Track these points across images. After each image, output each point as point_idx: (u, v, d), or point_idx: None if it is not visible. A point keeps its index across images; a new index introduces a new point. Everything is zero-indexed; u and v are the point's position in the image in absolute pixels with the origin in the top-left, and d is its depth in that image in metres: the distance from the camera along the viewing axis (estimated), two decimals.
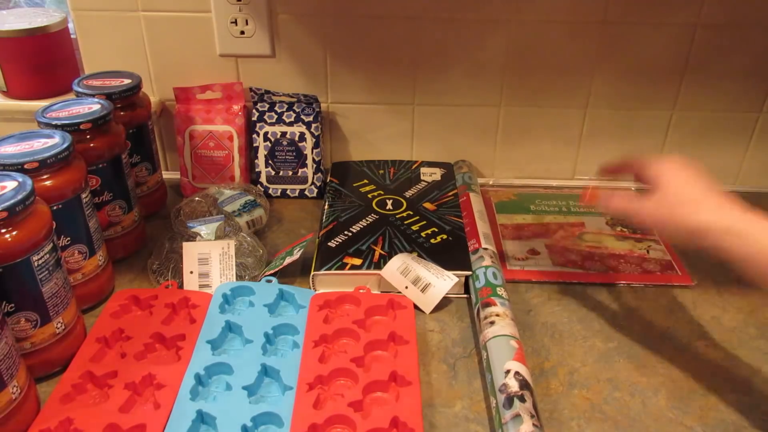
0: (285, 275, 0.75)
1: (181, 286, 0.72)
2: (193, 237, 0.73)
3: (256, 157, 0.92)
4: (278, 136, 0.91)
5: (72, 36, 0.93)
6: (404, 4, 0.85)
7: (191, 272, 0.71)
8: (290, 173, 0.92)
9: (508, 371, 0.57)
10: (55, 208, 0.62)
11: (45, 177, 0.62)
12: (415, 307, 0.69)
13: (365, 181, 0.92)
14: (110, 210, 0.75)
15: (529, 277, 0.76)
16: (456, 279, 0.70)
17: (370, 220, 0.82)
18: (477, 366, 0.63)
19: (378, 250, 0.75)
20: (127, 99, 0.79)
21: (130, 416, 0.55)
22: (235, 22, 0.87)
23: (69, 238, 0.66)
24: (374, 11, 0.86)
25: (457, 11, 0.85)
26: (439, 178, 0.93)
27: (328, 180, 0.92)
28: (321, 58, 0.90)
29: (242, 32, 0.88)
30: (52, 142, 0.63)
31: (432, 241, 0.77)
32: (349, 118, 0.95)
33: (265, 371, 0.60)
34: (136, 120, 0.81)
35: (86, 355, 0.61)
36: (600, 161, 0.68)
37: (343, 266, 0.73)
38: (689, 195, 0.55)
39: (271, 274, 0.73)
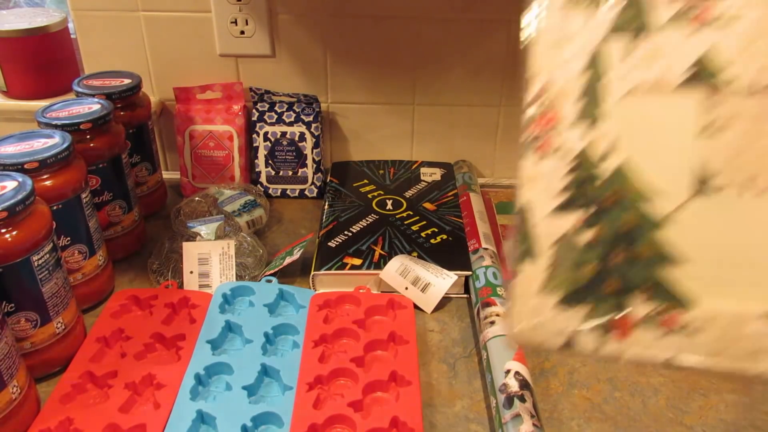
0: (285, 275, 0.75)
1: (181, 286, 0.72)
2: (193, 237, 0.73)
3: (256, 157, 0.92)
4: (278, 136, 0.91)
5: (72, 36, 0.93)
6: (404, 4, 0.85)
7: (191, 272, 0.71)
8: (290, 173, 0.92)
9: (508, 371, 0.57)
10: (55, 208, 0.62)
11: (45, 177, 0.62)
12: (415, 306, 0.69)
13: (365, 181, 0.92)
14: (110, 210, 0.75)
15: None
16: (455, 277, 0.71)
17: (370, 220, 0.82)
18: (477, 366, 0.63)
19: (378, 251, 0.75)
20: (127, 99, 0.79)
21: (130, 416, 0.55)
22: (235, 22, 0.87)
23: (69, 238, 0.66)
24: (374, 11, 0.86)
25: (456, 11, 0.85)
26: (439, 178, 0.93)
27: (328, 180, 0.92)
28: (321, 58, 0.90)
29: (242, 32, 0.88)
30: (52, 142, 0.63)
31: (432, 241, 0.77)
32: (349, 118, 0.95)
33: (265, 371, 0.60)
34: (136, 120, 0.81)
35: (86, 355, 0.61)
36: None
37: (343, 266, 0.73)
38: None
39: (271, 274, 0.73)
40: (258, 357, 0.61)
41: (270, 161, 0.92)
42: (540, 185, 0.32)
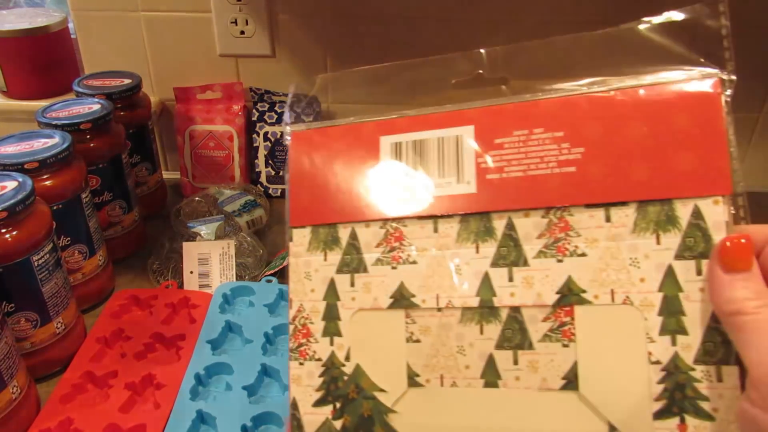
0: (285, 275, 0.75)
1: (181, 286, 0.72)
2: (193, 237, 0.73)
3: (256, 157, 0.92)
4: (278, 136, 0.91)
5: (72, 36, 0.93)
6: (404, 4, 0.85)
7: (191, 272, 0.71)
8: None
9: None
10: (55, 208, 0.62)
11: (45, 177, 0.62)
12: None
13: None
14: (110, 210, 0.75)
15: None
16: None
17: None
18: None
19: None
20: (127, 99, 0.79)
21: (130, 416, 0.55)
22: (235, 22, 0.87)
23: (69, 238, 0.66)
24: (374, 11, 0.86)
25: (457, 11, 0.85)
26: None
27: None
28: (321, 58, 0.90)
29: (242, 32, 0.88)
30: (52, 142, 0.63)
31: None
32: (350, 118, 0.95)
33: (265, 371, 0.60)
34: (136, 120, 0.81)
35: (86, 355, 0.61)
36: None
37: None
38: None
39: (271, 274, 0.73)
40: (258, 357, 0.61)
41: (270, 161, 0.92)
42: (302, 384, 0.41)
